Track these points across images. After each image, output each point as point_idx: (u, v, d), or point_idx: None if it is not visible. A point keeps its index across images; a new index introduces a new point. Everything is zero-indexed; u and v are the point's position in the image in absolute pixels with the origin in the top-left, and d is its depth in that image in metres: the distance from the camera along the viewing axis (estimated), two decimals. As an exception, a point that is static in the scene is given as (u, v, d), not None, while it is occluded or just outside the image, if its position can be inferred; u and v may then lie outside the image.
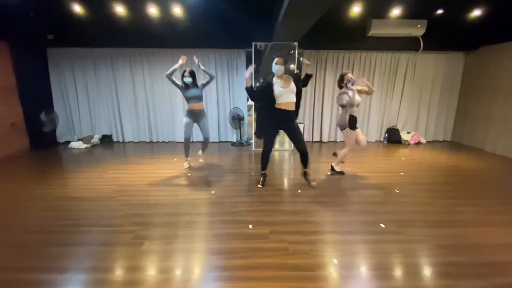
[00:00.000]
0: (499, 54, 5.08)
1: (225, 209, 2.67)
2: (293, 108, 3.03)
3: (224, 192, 3.11)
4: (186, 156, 4.07)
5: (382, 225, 2.37)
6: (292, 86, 2.98)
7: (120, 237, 2.18)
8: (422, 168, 4.13)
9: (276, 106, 2.98)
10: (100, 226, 2.36)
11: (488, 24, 4.95)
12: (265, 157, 3.20)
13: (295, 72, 3.02)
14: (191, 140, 4.05)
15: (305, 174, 3.29)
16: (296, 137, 3.11)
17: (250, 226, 2.33)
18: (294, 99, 3.01)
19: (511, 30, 4.75)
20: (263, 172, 3.31)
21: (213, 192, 3.10)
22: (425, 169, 4.12)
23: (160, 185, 3.36)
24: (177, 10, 4.44)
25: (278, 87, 2.95)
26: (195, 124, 3.95)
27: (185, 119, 3.84)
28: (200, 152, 4.22)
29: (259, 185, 3.25)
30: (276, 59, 2.95)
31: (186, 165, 4.06)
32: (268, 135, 3.13)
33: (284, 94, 2.95)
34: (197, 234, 2.23)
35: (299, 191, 3.13)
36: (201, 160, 4.25)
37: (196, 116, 3.87)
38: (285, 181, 3.60)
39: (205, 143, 4.11)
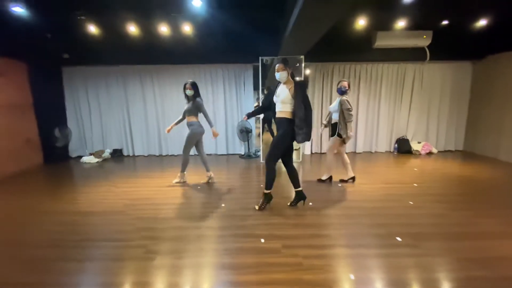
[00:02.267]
0: (507, 62, 5.04)
1: (235, 222, 2.65)
2: (283, 116, 2.72)
3: (234, 205, 3.09)
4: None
5: (398, 238, 2.29)
6: (284, 95, 2.69)
7: (131, 252, 2.18)
8: (436, 179, 4.03)
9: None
10: (111, 241, 2.36)
11: (494, 33, 4.95)
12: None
13: (300, 80, 2.82)
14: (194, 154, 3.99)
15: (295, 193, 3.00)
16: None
17: (262, 240, 2.29)
18: (283, 109, 2.72)
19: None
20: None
21: (223, 205, 3.09)
22: (439, 179, 4.02)
23: (170, 198, 3.37)
24: (187, 28, 4.60)
25: (275, 94, 2.80)
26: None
27: None
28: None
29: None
30: (276, 66, 2.74)
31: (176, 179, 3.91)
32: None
33: (277, 102, 2.78)
34: (208, 248, 2.21)
35: (310, 204, 3.08)
36: (178, 180, 3.95)
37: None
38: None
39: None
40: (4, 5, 3.71)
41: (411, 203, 3.09)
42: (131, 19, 4.46)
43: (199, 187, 3.78)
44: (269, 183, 2.84)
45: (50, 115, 5.42)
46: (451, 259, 2.02)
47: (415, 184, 3.76)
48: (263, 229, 2.48)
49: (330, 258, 2.04)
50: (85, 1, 4.01)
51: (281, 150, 2.77)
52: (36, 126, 5.22)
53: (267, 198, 2.92)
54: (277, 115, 2.78)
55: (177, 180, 3.95)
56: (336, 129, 3.60)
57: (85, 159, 5.55)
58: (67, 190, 3.81)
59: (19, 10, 3.80)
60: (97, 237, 2.44)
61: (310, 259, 2.01)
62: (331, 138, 3.72)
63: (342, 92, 3.57)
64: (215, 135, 3.67)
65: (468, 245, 2.22)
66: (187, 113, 3.70)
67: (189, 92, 3.62)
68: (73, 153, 5.91)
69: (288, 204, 3.02)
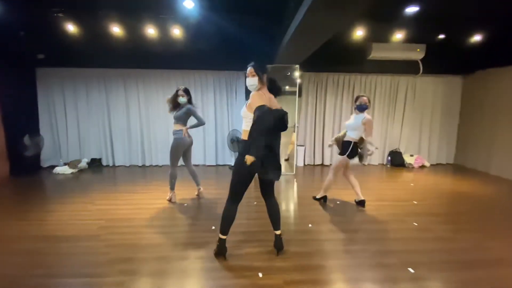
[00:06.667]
0: (496, 78, 5.11)
1: (229, 250, 2.32)
2: (243, 137, 2.06)
3: (226, 227, 2.76)
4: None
5: (411, 270, 2.07)
6: (244, 106, 2.09)
7: (105, 292, 1.81)
8: (434, 196, 3.90)
9: None
10: (81, 277, 1.97)
11: (484, 49, 5.01)
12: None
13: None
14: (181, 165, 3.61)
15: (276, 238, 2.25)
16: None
17: (260, 275, 1.99)
18: (244, 128, 2.07)
19: (507, 55, 4.80)
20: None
21: (213, 227, 2.76)
22: (437, 196, 3.89)
23: (153, 219, 3.00)
24: (176, 31, 4.31)
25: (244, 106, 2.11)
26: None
27: None
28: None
29: None
30: (247, 70, 2.10)
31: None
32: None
33: (244, 116, 2.09)
34: (198, 286, 1.88)
35: (310, 225, 2.83)
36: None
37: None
38: (292, 213, 3.30)
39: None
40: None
41: (416, 224, 2.90)
42: (115, 18, 4.11)
43: (186, 205, 3.43)
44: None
45: (20, 121, 4.88)
46: (472, 296, 1.81)
47: (415, 202, 3.60)
48: (261, 260, 2.18)
49: (341, 298, 1.77)
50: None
51: (242, 182, 2.11)
52: (2, 133, 4.67)
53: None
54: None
55: (168, 198, 3.56)
56: (348, 148, 3.19)
57: (59, 169, 5.03)
58: (35, 207, 3.34)
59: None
60: (64, 272, 2.05)
61: (318, 300, 1.74)
62: (341, 157, 3.28)
63: (363, 109, 3.14)
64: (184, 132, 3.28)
65: (485, 275, 2.03)
66: (175, 120, 3.35)
67: (182, 100, 3.31)
68: (45, 163, 5.37)
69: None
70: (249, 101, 2.03)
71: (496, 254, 2.33)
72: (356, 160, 3.35)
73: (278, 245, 2.24)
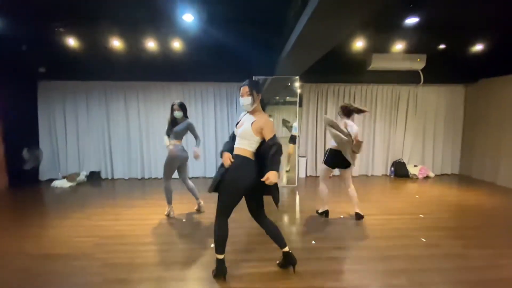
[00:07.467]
0: (500, 87, 5.06)
1: (229, 270, 2.20)
2: (240, 153, 2.01)
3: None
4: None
5: (422, 292, 1.95)
6: (247, 127, 1.98)
7: (95, 319, 1.70)
8: (441, 208, 3.77)
9: None
10: (71, 301, 1.87)
11: (487, 57, 4.98)
12: None
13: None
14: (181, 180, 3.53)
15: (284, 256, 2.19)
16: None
17: (261, 297, 1.88)
18: (243, 146, 2.01)
19: (511, 63, 4.77)
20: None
21: (212, 245, 2.64)
22: (444, 209, 3.76)
23: (150, 236, 2.90)
24: (176, 44, 4.32)
25: (238, 123, 2.13)
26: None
27: None
28: None
29: None
30: (240, 89, 2.05)
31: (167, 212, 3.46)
32: None
33: (238, 135, 2.06)
34: (195, 311, 1.77)
35: (313, 242, 2.71)
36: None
37: None
38: (294, 229, 3.18)
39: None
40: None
41: (424, 240, 2.77)
42: (116, 32, 4.14)
43: (184, 220, 3.33)
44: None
45: (20, 133, 4.87)
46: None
47: (421, 215, 3.48)
48: (262, 281, 2.07)
49: (348, 325, 1.65)
50: (63, 12, 3.67)
51: (235, 198, 2.04)
52: (1, 146, 4.65)
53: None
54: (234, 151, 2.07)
55: (166, 212, 3.46)
56: (325, 155, 3.26)
57: (57, 183, 4.95)
58: (29, 223, 3.25)
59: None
60: (54, 295, 1.94)
61: (323, 328, 1.62)
62: (324, 166, 3.29)
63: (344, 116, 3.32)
64: (196, 156, 3.25)
65: (502, 298, 1.90)
66: (173, 135, 3.31)
67: (178, 114, 3.27)
68: (43, 175, 5.30)
69: (277, 262, 2.28)
70: (259, 124, 1.95)
71: (510, 273, 2.20)
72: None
73: (291, 261, 2.16)
